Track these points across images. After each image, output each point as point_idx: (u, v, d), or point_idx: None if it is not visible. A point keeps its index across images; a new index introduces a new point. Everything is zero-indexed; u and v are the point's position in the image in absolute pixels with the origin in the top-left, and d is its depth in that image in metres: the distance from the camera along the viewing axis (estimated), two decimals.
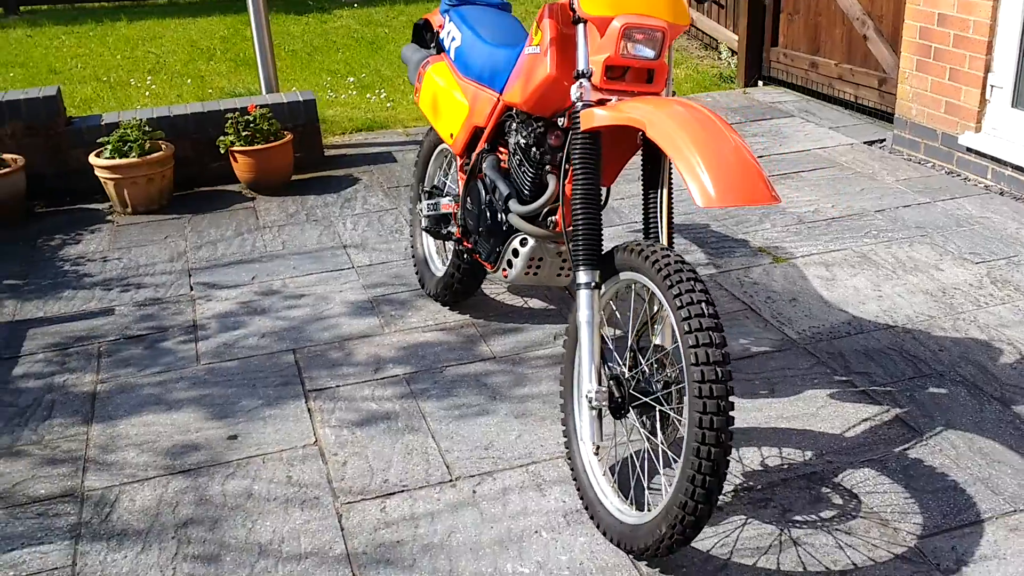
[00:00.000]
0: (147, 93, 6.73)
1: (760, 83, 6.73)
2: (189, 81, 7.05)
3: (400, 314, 3.61)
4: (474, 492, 2.61)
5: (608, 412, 2.36)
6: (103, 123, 4.97)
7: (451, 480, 2.66)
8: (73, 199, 5.02)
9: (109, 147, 4.72)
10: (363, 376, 3.20)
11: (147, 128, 4.82)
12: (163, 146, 4.85)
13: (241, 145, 4.89)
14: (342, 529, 2.48)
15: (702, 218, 4.40)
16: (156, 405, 3.08)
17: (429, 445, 2.82)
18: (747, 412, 2.91)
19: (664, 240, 2.44)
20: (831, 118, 5.83)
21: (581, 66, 2.41)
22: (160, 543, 2.46)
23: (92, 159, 4.73)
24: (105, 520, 2.55)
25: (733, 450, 2.73)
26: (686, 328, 2.08)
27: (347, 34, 8.35)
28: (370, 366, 3.26)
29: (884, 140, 5.39)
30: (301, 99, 5.29)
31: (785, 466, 2.66)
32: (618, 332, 3.34)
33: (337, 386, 3.15)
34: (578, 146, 2.40)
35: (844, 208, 4.43)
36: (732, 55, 7.22)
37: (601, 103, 2.41)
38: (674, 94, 2.55)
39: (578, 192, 2.39)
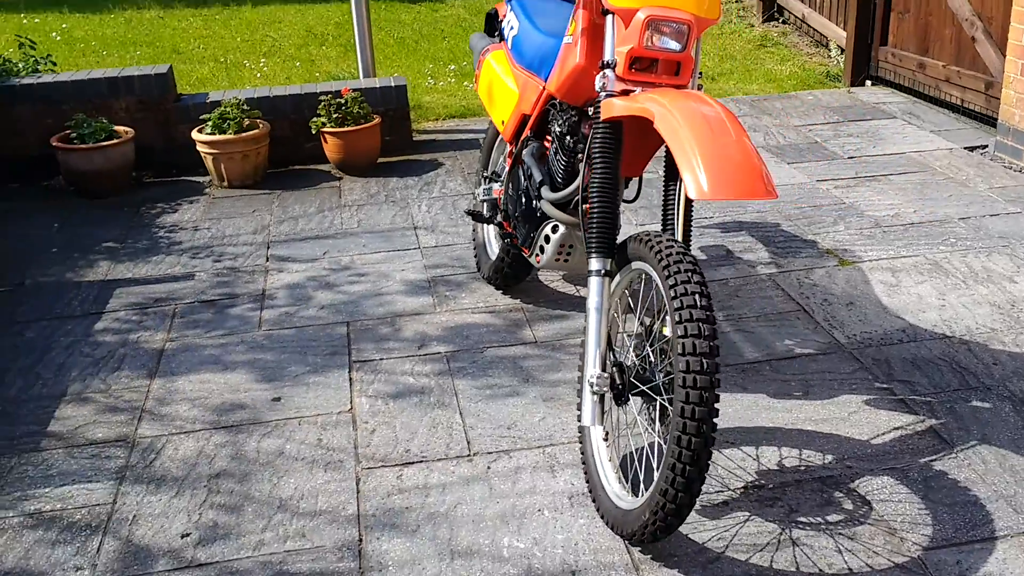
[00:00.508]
0: (258, 74, 7.07)
1: (868, 83, 6.53)
2: (299, 64, 7.36)
3: (453, 295, 3.72)
4: (488, 468, 2.69)
5: (612, 399, 2.40)
6: (208, 101, 5.27)
7: (469, 455, 2.75)
8: (178, 171, 5.34)
9: (210, 124, 5.01)
10: (407, 351, 3.32)
11: (245, 107, 5.09)
12: (259, 124, 5.11)
13: (331, 127, 5.10)
14: (358, 492, 2.61)
15: (774, 217, 4.34)
16: (214, 365, 3.28)
17: (455, 420, 2.91)
18: (775, 412, 2.88)
19: (679, 231, 2.46)
20: (935, 122, 5.61)
21: (607, 56, 2.45)
22: (192, 490, 2.64)
23: (194, 134, 5.02)
24: (148, 466, 2.76)
25: (752, 447, 2.72)
26: (676, 318, 2.10)
27: (455, 22, 8.51)
28: (415, 342, 3.38)
29: (986, 146, 5.16)
30: (393, 84, 5.46)
31: (802, 467, 2.63)
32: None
33: (380, 359, 3.28)
34: (597, 135, 2.44)
35: (926, 214, 4.29)
36: (841, 53, 7.02)
37: (625, 94, 2.44)
38: (700, 88, 2.53)
39: (595, 180, 2.43)
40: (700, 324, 2.08)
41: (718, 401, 2.06)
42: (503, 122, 3.34)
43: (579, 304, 3.60)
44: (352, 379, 3.17)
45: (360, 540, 2.43)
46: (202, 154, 5.05)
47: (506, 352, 3.29)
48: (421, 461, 2.73)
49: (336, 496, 2.59)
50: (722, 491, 2.55)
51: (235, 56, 7.56)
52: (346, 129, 5.08)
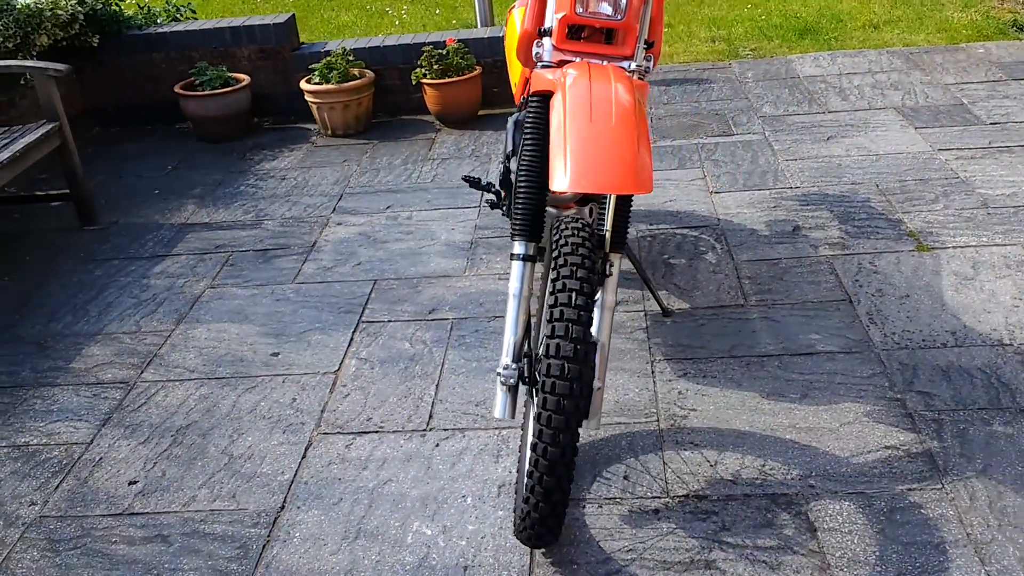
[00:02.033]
0: (397, 22, 7.15)
1: None
2: (439, 12, 7.36)
3: (488, 259, 3.64)
4: (437, 446, 2.63)
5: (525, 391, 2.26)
6: (324, 50, 5.39)
7: (424, 430, 2.70)
8: (295, 119, 5.53)
9: (317, 73, 5.13)
10: (416, 315, 3.29)
11: (351, 57, 5.17)
12: (363, 74, 5.17)
13: (431, 78, 5.08)
14: (303, 458, 2.64)
15: (867, 190, 3.90)
16: (236, 315, 3.41)
17: (428, 392, 2.87)
18: (758, 414, 2.62)
19: (610, 215, 2.25)
20: None
21: (546, 23, 2.26)
22: (159, 439, 2.77)
23: (302, 83, 5.17)
24: (135, 410, 2.92)
25: (715, 452, 2.49)
26: (547, 316, 1.94)
27: None
28: (428, 306, 3.34)
29: None
30: (502, 34, 5.35)
31: (758, 480, 2.38)
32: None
33: (388, 321, 3.28)
34: (529, 109, 2.27)
35: None
36: None
37: (563, 64, 2.25)
38: (651, 59, 2.26)
39: (521, 157, 2.26)
40: (569, 325, 1.90)
41: (577, 410, 1.89)
42: (515, 84, 3.19)
43: None
44: (352, 340, 3.18)
45: (282, 508, 2.46)
46: (308, 103, 5.19)
47: None
48: (376, 431, 2.72)
49: (280, 460, 2.63)
50: (659, 497, 2.36)
51: (380, 3, 7.69)
52: (443, 81, 5.04)
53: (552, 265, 2.00)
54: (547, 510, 1.96)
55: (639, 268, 3.16)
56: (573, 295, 1.93)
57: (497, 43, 5.29)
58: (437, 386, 2.89)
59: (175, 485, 2.57)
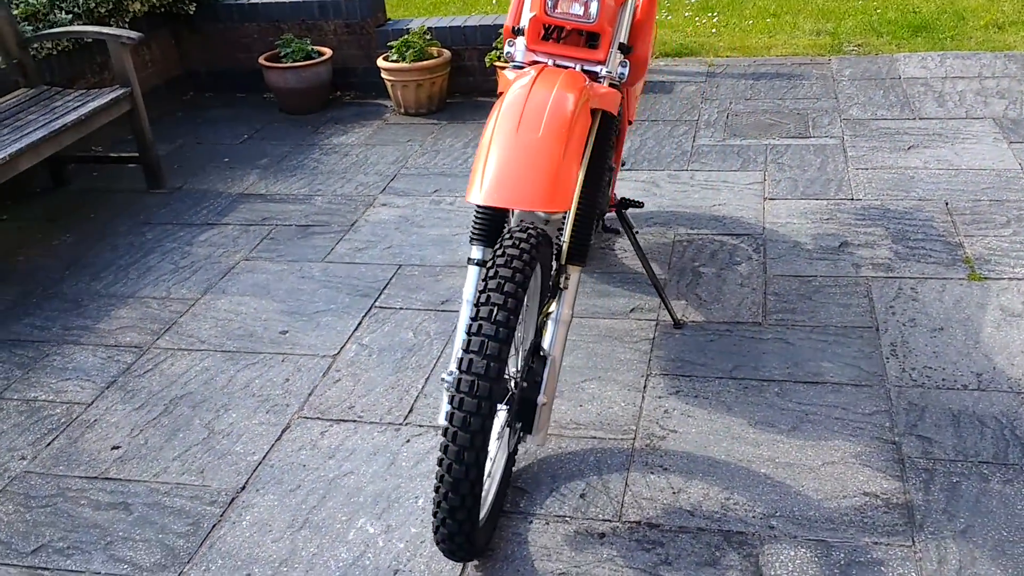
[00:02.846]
0: (494, 1, 7.08)
1: None
2: None
3: None
4: (407, 441, 2.61)
5: None
6: (406, 27, 5.40)
7: (400, 424, 2.68)
8: (376, 95, 5.57)
9: (394, 51, 5.15)
10: (428, 304, 3.27)
11: (428, 36, 5.16)
12: (439, 53, 5.16)
13: (503, 61, 5.01)
14: (277, 440, 2.66)
15: (934, 207, 3.62)
16: (259, 289, 3.47)
17: (414, 386, 2.84)
18: (740, 443, 2.48)
19: (568, 226, 2.15)
20: None
21: (521, 22, 2.17)
22: (152, 406, 2.85)
23: (379, 60, 5.20)
24: (140, 376, 3.01)
25: (682, 479, 2.37)
26: (465, 328, 1.87)
27: None
28: (443, 296, 3.31)
29: None
30: None
31: (718, 515, 2.25)
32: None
33: (399, 308, 3.27)
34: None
35: None
36: None
37: (535, 64, 2.15)
38: (626, 64, 2.13)
39: None
40: (485, 341, 1.83)
41: (483, 430, 1.82)
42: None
43: (632, 283, 3.30)
44: (360, 324, 3.19)
45: (242, 489, 2.49)
46: (384, 80, 5.22)
47: None
48: (354, 421, 2.72)
49: (256, 440, 2.67)
50: (610, 520, 2.27)
51: None
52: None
53: (483, 275, 1.93)
54: (454, 527, 1.90)
55: (651, 274, 3.04)
56: (494, 310, 1.85)
57: None
58: (427, 380, 2.87)
59: (152, 455, 2.64)
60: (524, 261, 1.93)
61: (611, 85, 2.17)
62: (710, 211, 3.78)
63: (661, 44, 5.88)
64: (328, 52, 5.38)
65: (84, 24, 4.75)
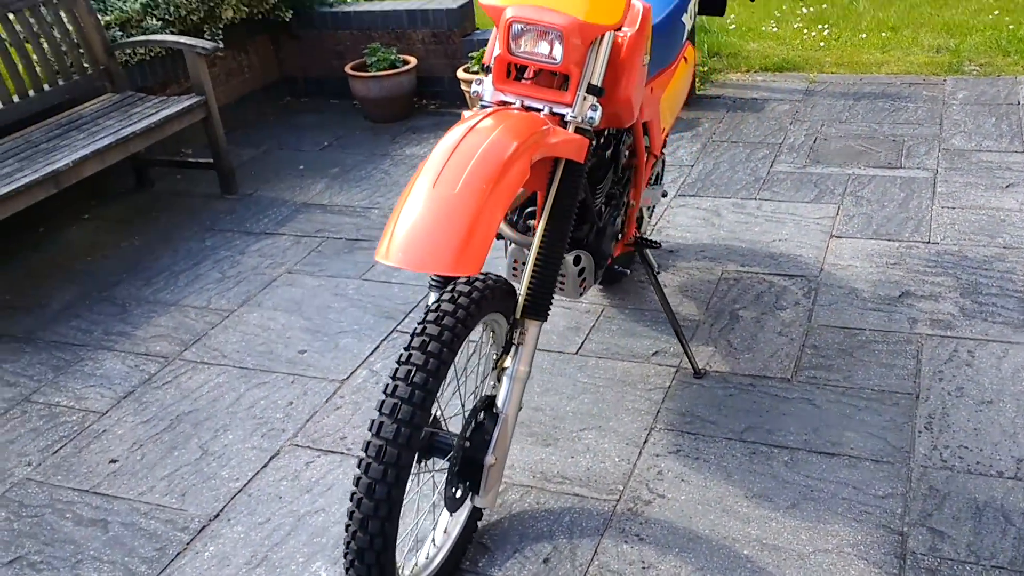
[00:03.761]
0: None
1: None
2: None
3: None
4: None
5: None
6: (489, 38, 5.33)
7: None
8: (460, 104, 5.53)
9: (473, 60, 5.08)
10: None
11: None
12: None
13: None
14: (264, 467, 2.64)
15: (1019, 257, 3.26)
16: (292, 305, 3.47)
17: None
18: (729, 517, 2.28)
19: (525, 277, 2.01)
20: None
21: (490, 60, 2.05)
22: (157, 421, 2.88)
23: (460, 72, 5.14)
24: (157, 388, 3.06)
25: (658, 553, 2.20)
26: (383, 387, 1.76)
27: None
28: None
29: None
30: None
31: None
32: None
33: None
34: None
35: None
36: None
37: (504, 104, 2.03)
38: (596, 108, 1.95)
39: None
40: (398, 404, 1.72)
41: (389, 497, 1.71)
42: None
43: (660, 324, 3.11)
44: (377, 349, 3.14)
45: (215, 516, 2.47)
46: (463, 90, 5.16)
47: (538, 358, 2.99)
48: (342, 453, 2.66)
49: (243, 465, 2.65)
50: None
51: None
52: None
53: (413, 329, 1.83)
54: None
55: (671, 318, 2.85)
56: (412, 371, 1.75)
57: None
58: None
59: (144, 472, 2.67)
60: (458, 319, 1.81)
61: (579, 130, 2.02)
62: (768, 247, 3.53)
63: (761, 58, 5.58)
64: (413, 61, 5.37)
65: (175, 31, 4.91)
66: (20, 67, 4.14)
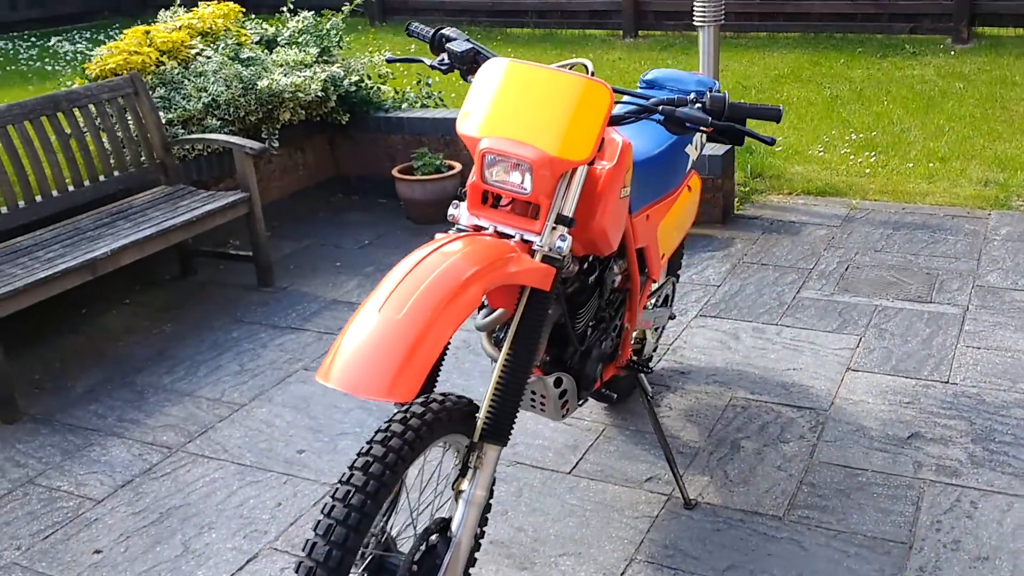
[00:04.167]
0: None
1: None
2: None
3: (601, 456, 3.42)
4: None
5: None
6: None
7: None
8: None
9: None
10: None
11: None
12: None
13: None
14: (239, 569, 2.65)
15: None
16: (300, 403, 3.51)
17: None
18: None
19: (486, 399, 2.02)
20: None
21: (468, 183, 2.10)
22: (148, 514, 2.92)
23: None
24: (155, 479, 3.10)
25: None
26: (321, 507, 1.77)
27: (910, 84, 7.32)
28: None
29: None
30: (721, 151, 5.05)
31: None
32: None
33: None
34: None
35: None
36: None
37: (478, 229, 2.07)
38: (565, 239, 1.97)
39: None
40: (332, 525, 1.72)
41: None
42: None
43: (657, 446, 3.07)
44: None
45: None
46: None
47: (530, 474, 2.97)
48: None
49: (218, 568, 2.66)
50: None
51: None
52: None
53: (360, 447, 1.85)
54: None
55: (664, 445, 2.81)
56: (351, 492, 1.75)
57: (712, 158, 5.00)
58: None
59: (124, 565, 2.70)
60: (405, 441, 1.82)
61: (547, 259, 2.04)
62: (781, 375, 3.47)
63: (804, 181, 5.57)
64: (458, 167, 5.51)
65: (234, 130, 5.14)
66: (78, 157, 4.38)
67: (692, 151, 2.91)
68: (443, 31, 2.44)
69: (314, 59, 5.66)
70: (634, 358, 2.83)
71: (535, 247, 2.03)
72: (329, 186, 6.10)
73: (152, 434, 3.38)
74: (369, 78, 5.97)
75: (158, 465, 3.18)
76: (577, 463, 3.03)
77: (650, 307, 3.12)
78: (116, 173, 4.54)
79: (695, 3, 5.20)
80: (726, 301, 4.14)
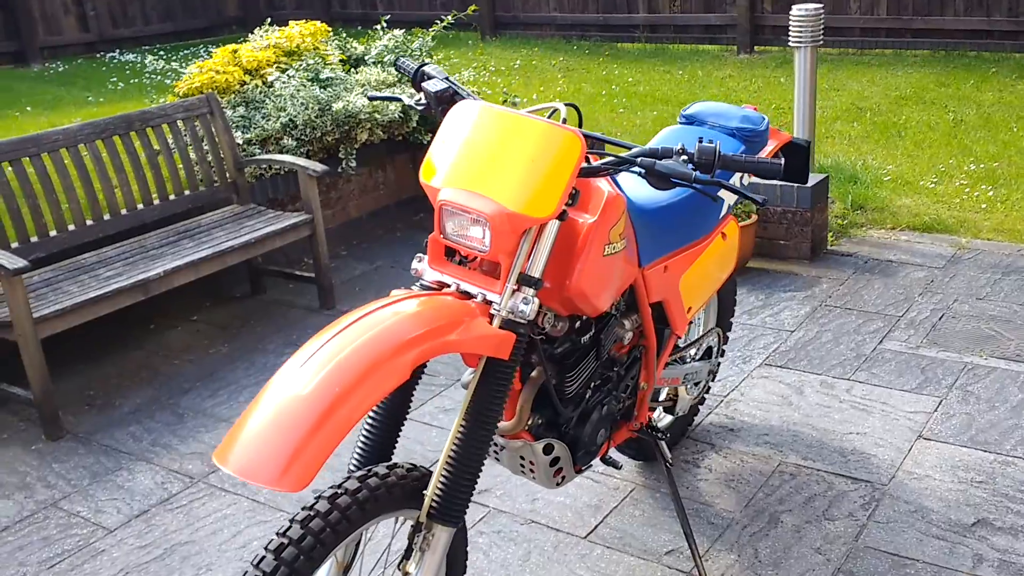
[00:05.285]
0: None
1: None
2: None
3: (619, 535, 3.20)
4: None
5: None
6: None
7: None
8: None
9: None
10: None
11: None
12: None
13: None
14: None
15: None
16: None
17: None
18: None
19: (435, 476, 1.84)
20: None
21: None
22: (153, 548, 2.87)
23: None
24: (170, 510, 3.06)
25: None
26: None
27: None
28: (476, 515, 3.05)
29: None
30: (812, 180, 4.70)
31: None
32: None
33: None
34: None
35: None
36: None
37: (443, 286, 1.90)
38: (527, 301, 1.75)
39: None
40: None
41: None
42: None
43: (697, 517, 2.81)
44: None
45: None
46: None
47: (545, 535, 2.77)
48: None
49: None
50: None
51: None
52: None
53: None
54: None
55: (683, 520, 2.56)
56: (279, 567, 1.61)
57: (803, 189, 4.67)
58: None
59: None
60: (328, 523, 1.66)
61: (509, 324, 1.84)
62: (842, 440, 3.15)
63: (910, 215, 5.13)
64: None
65: (311, 150, 5.14)
66: (148, 175, 4.44)
67: (728, 195, 2.65)
68: (424, 67, 2.27)
69: (396, 79, 5.60)
70: (651, 419, 2.59)
71: (492, 311, 1.84)
72: (410, 205, 6.03)
73: (180, 461, 3.35)
74: None
75: (176, 496, 3.14)
76: (596, 527, 2.81)
77: (686, 361, 2.87)
78: (187, 192, 4.59)
79: (791, 22, 4.86)
80: (797, 349, 3.81)
